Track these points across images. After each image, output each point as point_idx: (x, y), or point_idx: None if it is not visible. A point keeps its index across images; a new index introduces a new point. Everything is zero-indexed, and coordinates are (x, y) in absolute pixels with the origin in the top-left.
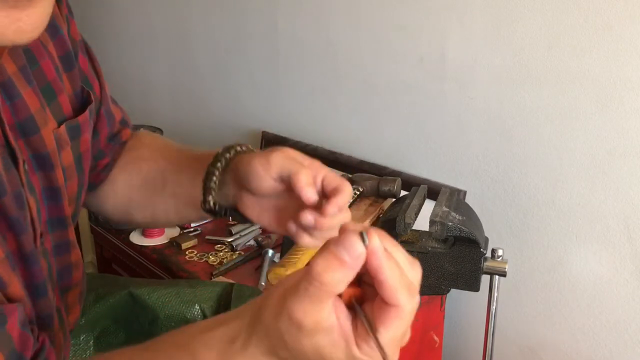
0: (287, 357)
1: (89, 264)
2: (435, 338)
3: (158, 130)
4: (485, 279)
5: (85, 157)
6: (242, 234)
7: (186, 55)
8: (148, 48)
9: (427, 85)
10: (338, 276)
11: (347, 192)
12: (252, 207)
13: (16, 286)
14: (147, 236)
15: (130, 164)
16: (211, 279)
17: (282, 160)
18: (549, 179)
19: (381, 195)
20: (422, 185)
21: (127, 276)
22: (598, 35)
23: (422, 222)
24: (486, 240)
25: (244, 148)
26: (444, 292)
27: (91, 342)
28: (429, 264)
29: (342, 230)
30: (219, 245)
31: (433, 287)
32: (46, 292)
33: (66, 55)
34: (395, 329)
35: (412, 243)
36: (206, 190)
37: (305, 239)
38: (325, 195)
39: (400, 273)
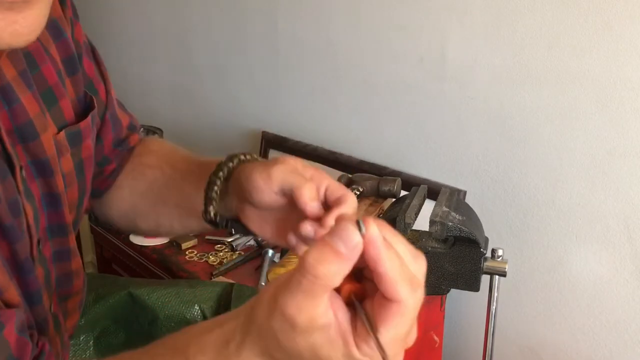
0: (282, 358)
1: (89, 264)
2: (435, 338)
3: (158, 130)
4: (485, 279)
5: (87, 164)
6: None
7: (186, 55)
8: (148, 48)
9: (427, 85)
10: (333, 268)
11: (349, 203)
12: (253, 219)
13: (13, 292)
14: (147, 236)
15: (136, 170)
16: (211, 279)
17: (284, 173)
18: (549, 179)
19: (381, 195)
20: (422, 185)
21: (127, 276)
22: (598, 35)
23: (422, 222)
24: (486, 240)
25: (247, 157)
26: (444, 292)
27: (91, 342)
28: (429, 264)
29: (339, 220)
30: (219, 245)
31: (433, 287)
32: (41, 300)
33: (70, 59)
34: (397, 327)
35: (412, 243)
36: (207, 200)
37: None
38: (327, 205)
39: (401, 264)
